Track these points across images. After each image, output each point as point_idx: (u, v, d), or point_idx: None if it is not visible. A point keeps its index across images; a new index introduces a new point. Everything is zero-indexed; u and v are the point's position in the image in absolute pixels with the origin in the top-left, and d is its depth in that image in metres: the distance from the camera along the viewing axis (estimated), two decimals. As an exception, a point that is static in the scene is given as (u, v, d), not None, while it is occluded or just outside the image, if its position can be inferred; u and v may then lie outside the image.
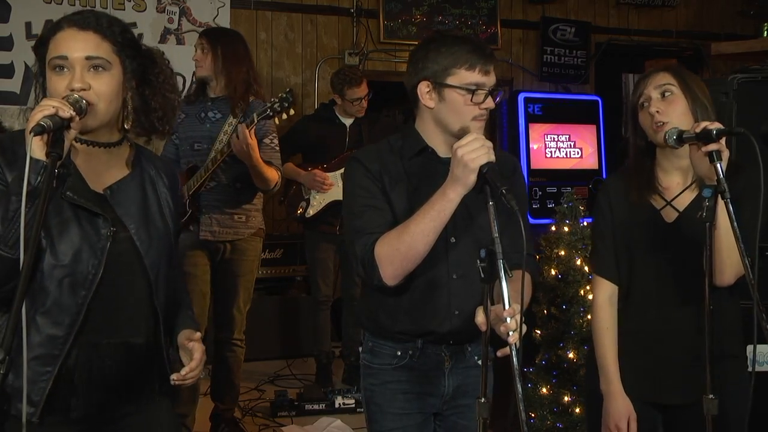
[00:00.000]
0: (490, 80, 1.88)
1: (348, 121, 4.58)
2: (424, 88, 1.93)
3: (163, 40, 5.42)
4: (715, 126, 1.82)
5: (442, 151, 1.96)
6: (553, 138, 5.69)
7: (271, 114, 3.25)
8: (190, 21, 5.54)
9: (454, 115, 1.89)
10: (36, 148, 1.44)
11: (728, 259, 1.89)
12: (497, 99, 1.91)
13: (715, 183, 1.76)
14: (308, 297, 5.01)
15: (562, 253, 3.42)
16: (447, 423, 2.08)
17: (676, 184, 2.09)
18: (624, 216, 2.13)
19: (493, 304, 1.63)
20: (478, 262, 1.60)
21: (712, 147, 1.79)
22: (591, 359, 2.23)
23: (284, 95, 3.26)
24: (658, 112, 2.01)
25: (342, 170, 4.31)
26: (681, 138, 1.92)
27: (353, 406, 4.11)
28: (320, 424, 3.89)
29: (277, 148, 3.56)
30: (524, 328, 1.58)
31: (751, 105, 2.83)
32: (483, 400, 1.69)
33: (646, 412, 2.11)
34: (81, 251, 1.63)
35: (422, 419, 2.04)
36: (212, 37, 3.58)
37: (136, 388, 1.74)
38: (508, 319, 1.55)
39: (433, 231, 1.79)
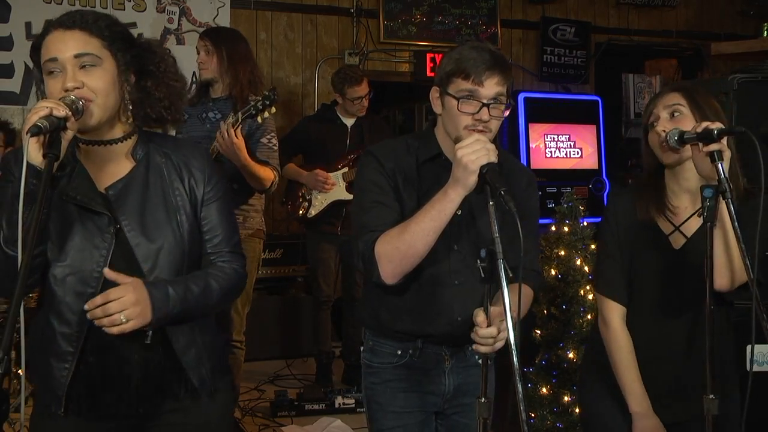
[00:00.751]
0: (487, 92, 1.83)
1: (349, 122, 4.58)
2: (434, 94, 1.95)
3: (162, 40, 5.41)
4: (716, 126, 1.82)
5: (452, 158, 1.96)
6: (553, 138, 5.69)
7: (253, 112, 3.22)
8: (190, 21, 5.54)
9: (451, 122, 1.89)
10: (33, 150, 1.45)
11: (728, 263, 1.88)
12: (505, 112, 1.87)
13: (716, 183, 1.76)
14: (308, 297, 5.01)
15: (562, 253, 3.42)
16: (448, 422, 2.08)
17: (684, 209, 2.07)
18: (630, 235, 2.10)
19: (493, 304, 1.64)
20: (478, 261, 1.61)
21: (714, 147, 1.79)
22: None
23: (267, 93, 3.23)
24: (665, 131, 1.99)
25: (343, 170, 4.40)
26: (682, 138, 1.92)
27: (353, 406, 4.11)
28: (320, 424, 3.89)
29: (275, 148, 3.53)
30: (508, 336, 1.56)
31: (751, 105, 2.83)
32: (483, 399, 1.70)
33: None
34: (84, 250, 1.66)
35: (423, 417, 2.05)
36: (215, 37, 3.56)
37: (158, 385, 1.74)
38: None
39: (433, 231, 1.79)
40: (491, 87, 1.83)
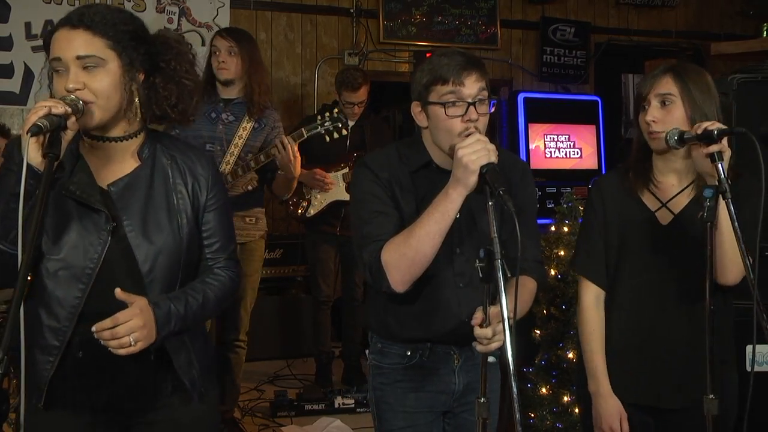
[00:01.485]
0: (469, 90, 1.83)
1: (350, 123, 4.57)
2: (416, 109, 1.94)
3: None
4: (715, 126, 1.82)
5: (444, 165, 1.95)
6: (553, 138, 5.69)
7: (322, 131, 3.30)
8: (190, 21, 5.54)
9: (441, 132, 1.88)
10: (32, 149, 1.45)
11: (734, 258, 1.87)
12: (491, 108, 1.87)
13: (716, 183, 1.76)
14: (308, 297, 5.00)
15: (562, 253, 3.41)
16: (457, 420, 2.08)
17: (670, 186, 2.09)
18: (616, 214, 2.12)
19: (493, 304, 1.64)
20: (477, 262, 1.61)
21: (714, 148, 1.80)
22: (582, 364, 2.23)
23: (337, 115, 3.27)
24: (654, 121, 2.01)
25: (343, 170, 4.39)
26: (682, 139, 1.92)
27: (353, 406, 4.11)
28: (320, 424, 3.89)
29: None
30: (505, 336, 1.56)
31: (751, 105, 2.83)
32: (483, 400, 1.70)
33: (639, 417, 2.10)
34: (79, 246, 1.65)
35: (432, 418, 2.05)
36: (238, 38, 3.52)
37: (147, 385, 1.74)
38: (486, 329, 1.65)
39: (438, 233, 1.79)
40: (472, 85, 1.83)
